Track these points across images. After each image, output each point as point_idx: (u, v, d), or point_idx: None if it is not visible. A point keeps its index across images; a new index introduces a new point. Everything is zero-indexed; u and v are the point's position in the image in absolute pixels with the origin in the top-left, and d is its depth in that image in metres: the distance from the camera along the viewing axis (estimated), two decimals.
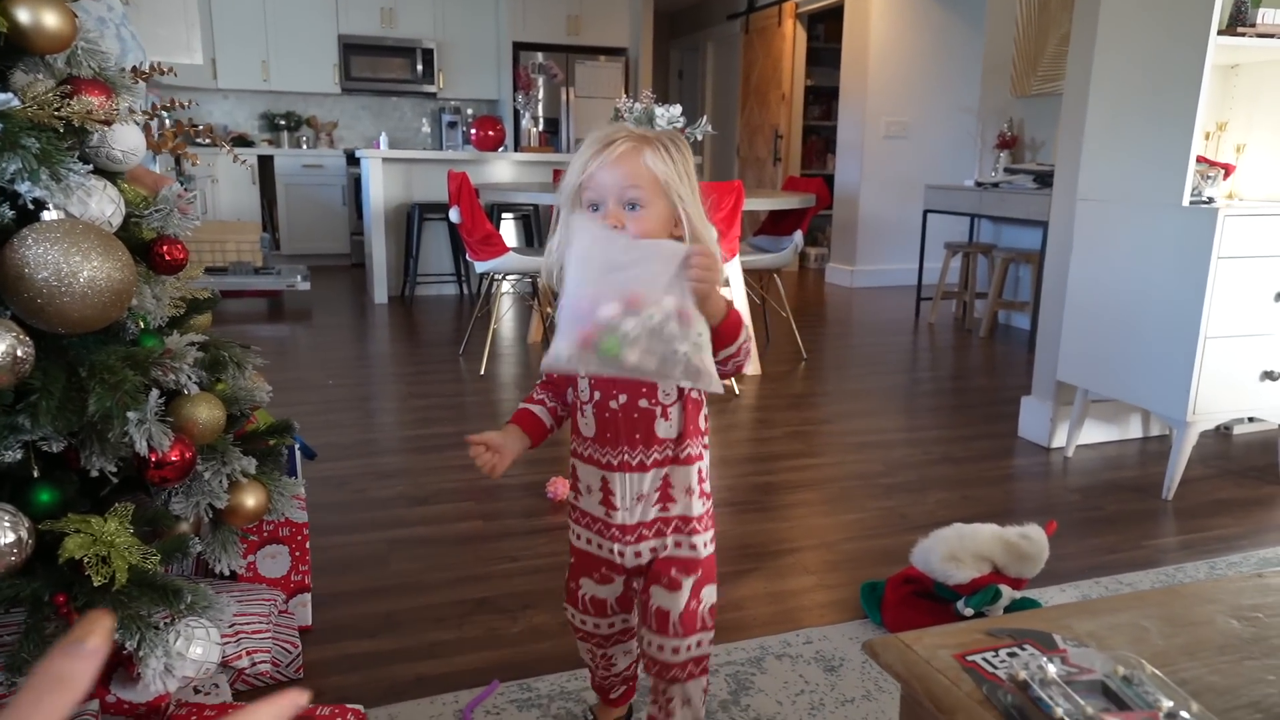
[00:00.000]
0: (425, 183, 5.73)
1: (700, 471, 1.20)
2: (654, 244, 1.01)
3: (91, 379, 1.16)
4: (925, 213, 5.30)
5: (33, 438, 1.11)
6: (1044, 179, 4.40)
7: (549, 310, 4.46)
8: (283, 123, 7.18)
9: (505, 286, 5.63)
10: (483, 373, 3.82)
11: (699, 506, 1.20)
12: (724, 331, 1.06)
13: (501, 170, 5.86)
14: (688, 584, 1.19)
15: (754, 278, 4.37)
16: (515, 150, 6.56)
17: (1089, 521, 2.36)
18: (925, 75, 6.34)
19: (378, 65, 7.13)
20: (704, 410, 1.20)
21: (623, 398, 1.15)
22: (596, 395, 1.16)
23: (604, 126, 1.12)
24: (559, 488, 2.38)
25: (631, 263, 0.97)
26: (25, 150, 1.06)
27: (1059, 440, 2.97)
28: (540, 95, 6.88)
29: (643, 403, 1.14)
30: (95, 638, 0.42)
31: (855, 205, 6.44)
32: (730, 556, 2.09)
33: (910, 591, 1.80)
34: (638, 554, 1.20)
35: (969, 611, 1.71)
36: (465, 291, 5.97)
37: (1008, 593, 1.72)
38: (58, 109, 1.13)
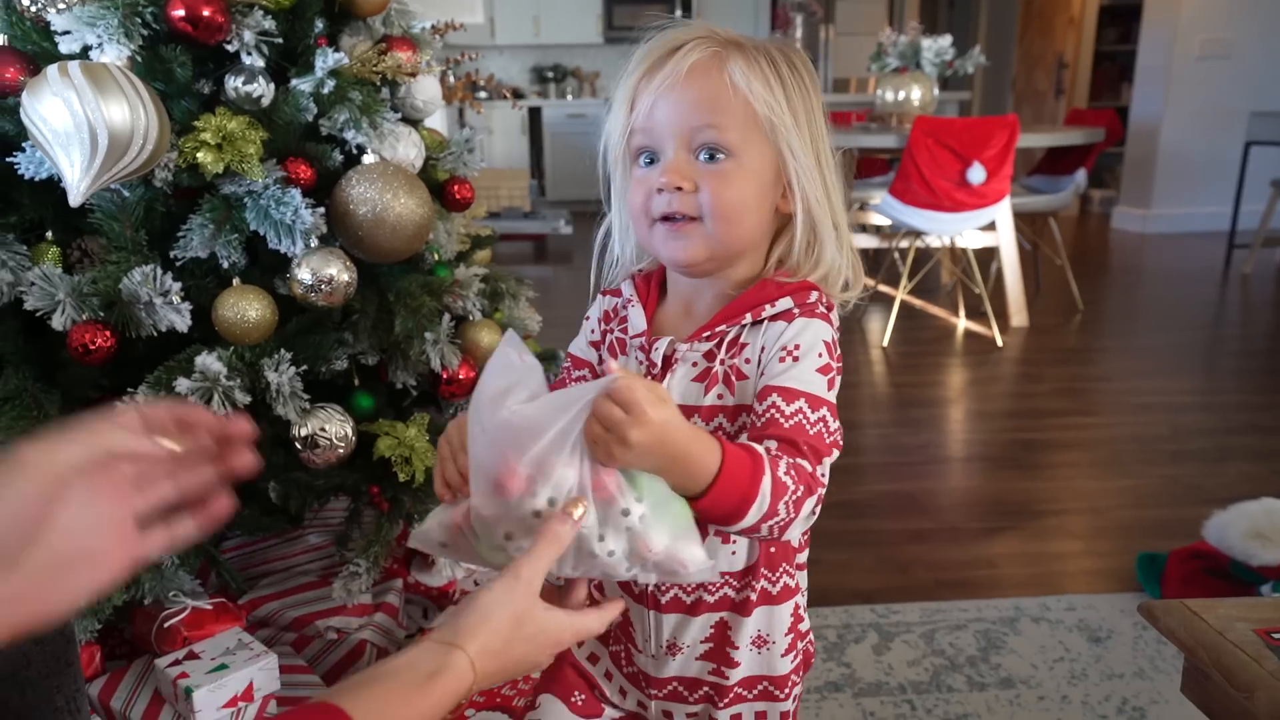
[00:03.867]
0: None
1: (799, 609, 0.77)
2: (563, 395, 0.57)
3: (397, 303, 1.33)
4: (1248, 145, 4.56)
5: (353, 351, 1.30)
6: None
7: None
8: (550, 75, 7.59)
9: None
10: None
11: (788, 662, 0.76)
12: (718, 500, 0.59)
13: None
14: None
15: (1026, 221, 4.01)
16: None
17: None
18: None
19: (638, 13, 7.12)
20: (810, 515, 0.64)
21: None
22: None
23: (666, 30, 0.69)
24: None
25: (512, 420, 0.57)
26: (351, 103, 1.22)
27: None
28: (798, 34, 6.70)
29: None
30: (578, 509, 0.57)
31: (1154, 140, 5.67)
32: (982, 512, 1.99)
33: (1199, 568, 1.61)
34: (667, 714, 0.79)
35: (1275, 597, 1.51)
36: None
37: None
38: (375, 65, 1.28)
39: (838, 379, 0.68)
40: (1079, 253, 5.14)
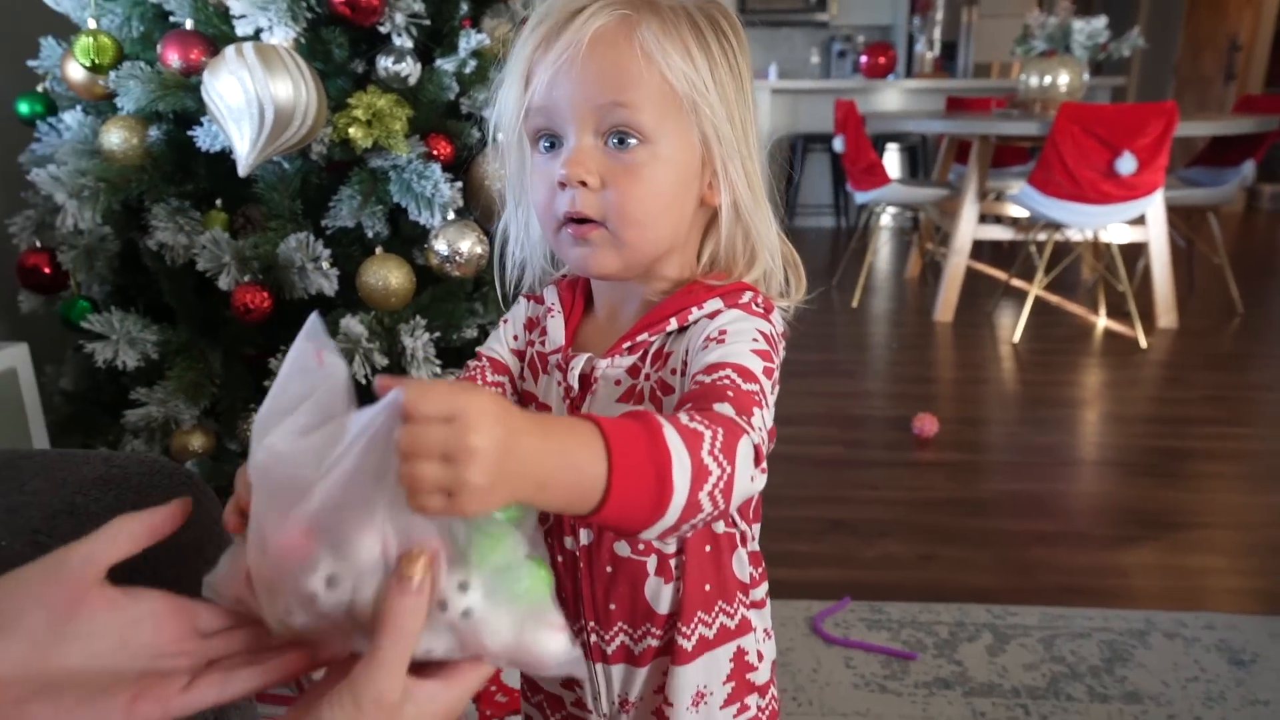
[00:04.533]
0: (811, 113, 5.72)
1: (746, 654, 0.64)
2: (344, 427, 0.39)
3: None
4: None
5: (483, 321, 1.35)
6: None
7: (929, 246, 4.26)
8: None
9: (885, 219, 5.49)
10: (855, 305, 3.79)
11: (728, 716, 0.65)
12: (630, 487, 0.42)
13: (890, 99, 5.64)
14: None
15: (1180, 216, 3.74)
16: (907, 77, 6.26)
17: None
18: None
19: None
20: (750, 542, 0.64)
21: (584, 532, 0.61)
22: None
23: None
24: (926, 424, 2.32)
25: (270, 467, 0.40)
26: (490, 82, 1.27)
27: None
28: (939, 17, 6.44)
29: (620, 547, 0.60)
30: (416, 568, 0.40)
31: None
32: (1115, 519, 1.89)
33: None
34: None
35: None
36: (843, 224, 5.92)
37: None
38: None
39: (776, 375, 0.56)
40: (1242, 251, 4.75)
